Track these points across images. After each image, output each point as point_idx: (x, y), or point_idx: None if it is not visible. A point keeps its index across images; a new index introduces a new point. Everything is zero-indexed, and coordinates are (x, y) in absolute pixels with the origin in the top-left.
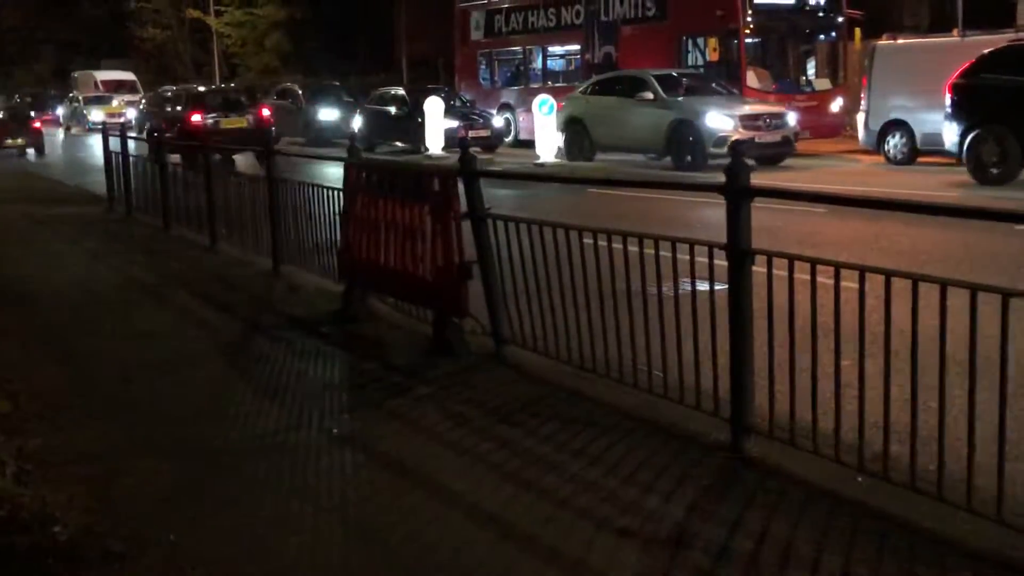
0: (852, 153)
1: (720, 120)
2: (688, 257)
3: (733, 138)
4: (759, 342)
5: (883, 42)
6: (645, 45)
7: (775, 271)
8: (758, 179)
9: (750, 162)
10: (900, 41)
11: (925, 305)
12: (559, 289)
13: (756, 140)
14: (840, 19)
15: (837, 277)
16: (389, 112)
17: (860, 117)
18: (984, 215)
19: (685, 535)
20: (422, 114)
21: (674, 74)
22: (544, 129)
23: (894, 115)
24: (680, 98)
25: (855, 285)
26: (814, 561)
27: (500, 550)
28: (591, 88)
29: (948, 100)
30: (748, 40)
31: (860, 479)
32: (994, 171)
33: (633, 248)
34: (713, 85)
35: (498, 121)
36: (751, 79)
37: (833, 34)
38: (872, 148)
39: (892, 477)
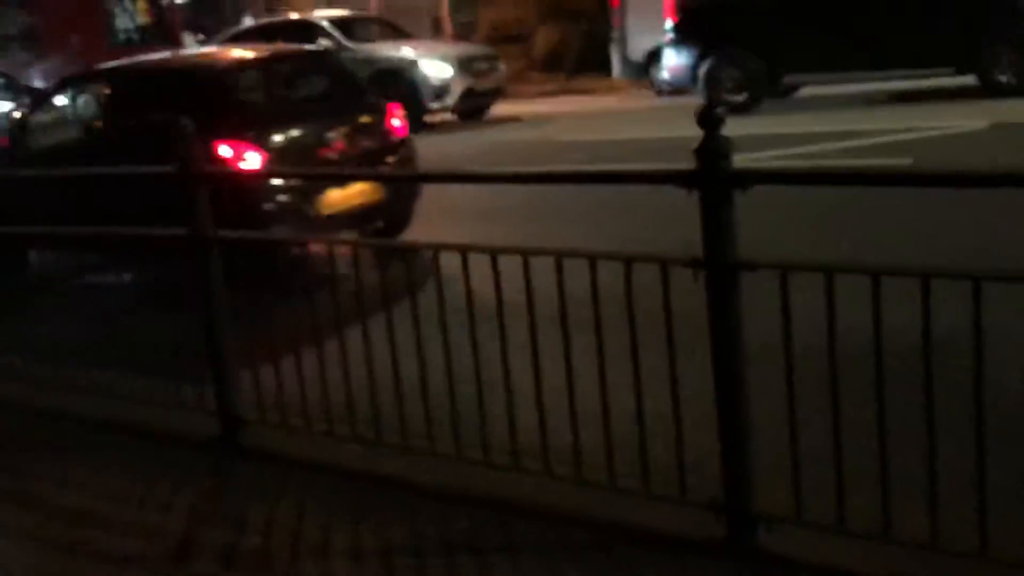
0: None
1: (436, 67)
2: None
3: (455, 87)
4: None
5: None
6: (69, 10)
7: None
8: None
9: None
10: None
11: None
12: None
13: (476, 88)
14: None
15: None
16: None
17: (614, 48)
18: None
19: (191, 545)
20: None
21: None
22: None
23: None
24: (373, 45)
25: None
26: (323, 543)
27: None
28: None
29: (670, 24)
30: None
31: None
32: (736, 99)
33: None
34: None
35: None
36: (186, 40)
37: None
38: (632, 81)
39: (385, 439)
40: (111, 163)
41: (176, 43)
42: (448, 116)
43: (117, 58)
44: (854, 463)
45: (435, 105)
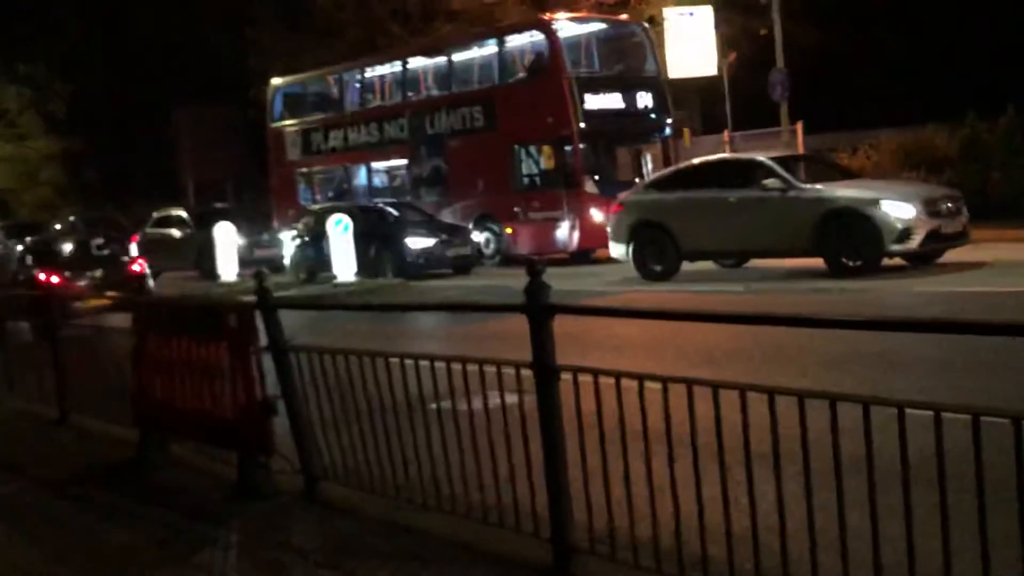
0: None
1: (899, 208)
2: (511, 374)
3: (919, 229)
4: (572, 454)
5: None
6: (476, 156)
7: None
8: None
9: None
10: None
11: (727, 405)
12: (370, 419)
13: (941, 231)
14: (668, 119)
15: (641, 387)
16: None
17: None
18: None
19: None
20: (211, 238)
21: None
22: (341, 249)
23: None
24: (823, 184)
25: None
26: None
27: None
28: (663, 183)
29: None
30: (582, 146)
31: None
32: None
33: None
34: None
35: (477, 236)
36: (588, 185)
37: (665, 133)
38: None
39: None
40: None
41: (578, 186)
42: (899, 260)
43: (519, 201)
44: None
45: (896, 248)
